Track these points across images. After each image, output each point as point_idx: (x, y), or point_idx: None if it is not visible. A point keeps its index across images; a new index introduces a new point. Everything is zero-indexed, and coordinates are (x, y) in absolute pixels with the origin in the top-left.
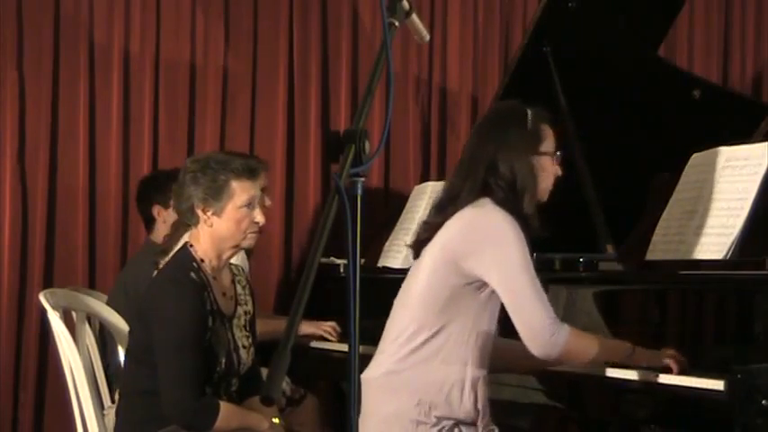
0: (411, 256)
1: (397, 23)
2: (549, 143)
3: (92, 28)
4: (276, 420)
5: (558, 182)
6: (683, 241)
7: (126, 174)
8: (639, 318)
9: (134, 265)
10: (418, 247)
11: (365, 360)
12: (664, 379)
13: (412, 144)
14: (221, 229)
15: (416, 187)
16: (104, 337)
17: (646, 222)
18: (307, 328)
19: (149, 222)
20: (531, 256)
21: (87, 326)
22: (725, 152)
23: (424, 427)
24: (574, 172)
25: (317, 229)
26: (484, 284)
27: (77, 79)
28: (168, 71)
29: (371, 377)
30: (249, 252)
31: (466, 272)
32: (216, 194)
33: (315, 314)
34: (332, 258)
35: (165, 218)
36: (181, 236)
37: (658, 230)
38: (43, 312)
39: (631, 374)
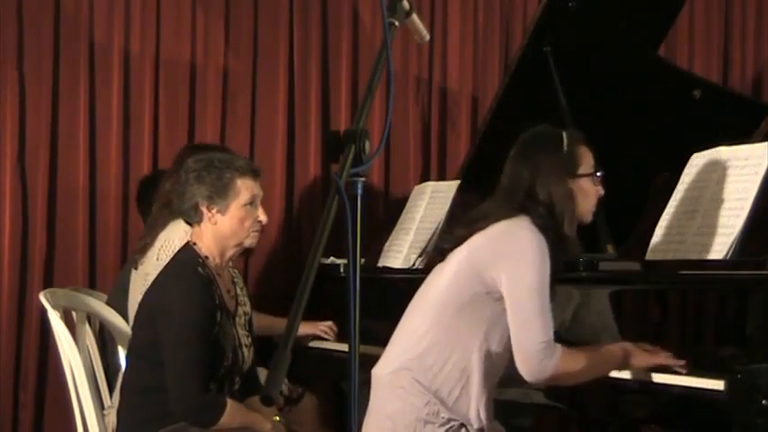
0: (414, 258)
1: (397, 23)
2: (586, 165)
3: (92, 28)
4: (277, 419)
5: None
6: (684, 241)
7: (126, 174)
8: (640, 318)
9: None
10: (441, 254)
11: (365, 360)
12: (664, 379)
13: (412, 144)
14: (225, 227)
15: (416, 187)
16: (104, 337)
17: (646, 222)
18: (304, 328)
19: None
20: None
21: (87, 326)
22: (725, 152)
23: (431, 427)
24: None
25: (317, 230)
26: (502, 296)
27: (77, 79)
28: (168, 71)
29: (382, 373)
30: (249, 252)
31: (487, 280)
32: (221, 192)
33: (315, 314)
34: (332, 258)
35: None
36: (157, 234)
37: (658, 230)
38: (43, 312)
39: (631, 374)
